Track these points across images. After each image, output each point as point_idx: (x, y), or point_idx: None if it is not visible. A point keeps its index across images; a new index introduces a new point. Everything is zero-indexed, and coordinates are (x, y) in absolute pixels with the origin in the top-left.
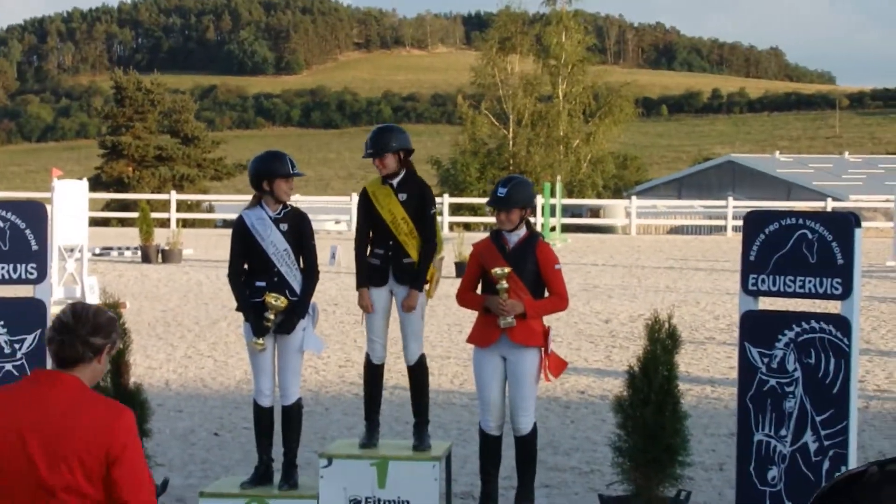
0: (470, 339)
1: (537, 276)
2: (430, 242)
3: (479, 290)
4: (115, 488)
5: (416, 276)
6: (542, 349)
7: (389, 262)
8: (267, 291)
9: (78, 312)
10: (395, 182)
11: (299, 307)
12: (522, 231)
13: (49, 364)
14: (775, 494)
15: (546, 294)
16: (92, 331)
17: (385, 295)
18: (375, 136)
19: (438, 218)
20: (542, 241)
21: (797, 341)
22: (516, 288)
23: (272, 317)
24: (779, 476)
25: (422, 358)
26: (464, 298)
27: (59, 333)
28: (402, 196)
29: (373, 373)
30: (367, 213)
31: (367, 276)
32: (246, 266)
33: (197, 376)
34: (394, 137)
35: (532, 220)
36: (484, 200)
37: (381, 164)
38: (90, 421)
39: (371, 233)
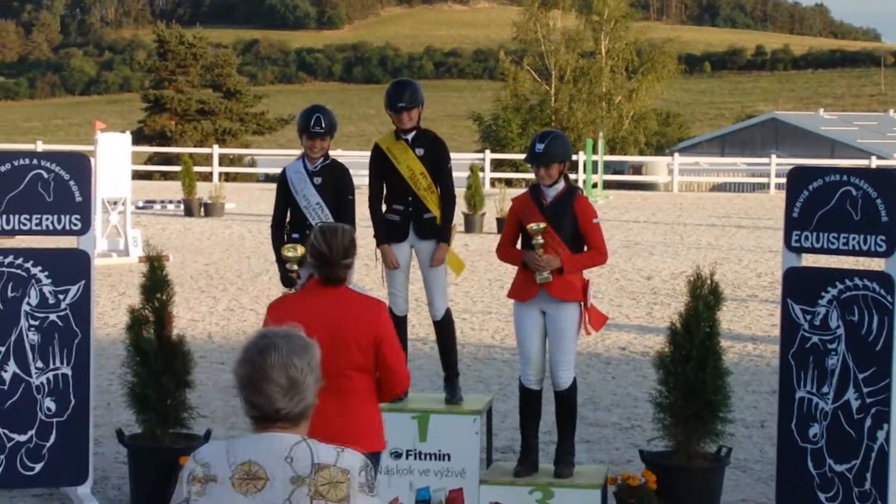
0: (510, 294)
1: (575, 230)
2: (450, 194)
3: (518, 245)
4: (385, 361)
5: (440, 230)
6: (581, 303)
7: (410, 217)
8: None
9: (330, 244)
10: (409, 137)
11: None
12: (561, 185)
13: (93, 314)
14: (816, 451)
15: (584, 249)
16: (344, 254)
17: (406, 250)
18: (405, 88)
19: (480, 174)
20: (580, 196)
21: (840, 298)
22: (553, 243)
23: (296, 267)
24: (820, 433)
25: (448, 312)
26: (504, 253)
27: (322, 263)
28: (420, 151)
29: (397, 324)
30: (382, 169)
31: (387, 232)
32: (288, 219)
33: (239, 329)
34: (419, 90)
35: (573, 176)
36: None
37: (409, 116)
38: (360, 315)
39: (386, 189)
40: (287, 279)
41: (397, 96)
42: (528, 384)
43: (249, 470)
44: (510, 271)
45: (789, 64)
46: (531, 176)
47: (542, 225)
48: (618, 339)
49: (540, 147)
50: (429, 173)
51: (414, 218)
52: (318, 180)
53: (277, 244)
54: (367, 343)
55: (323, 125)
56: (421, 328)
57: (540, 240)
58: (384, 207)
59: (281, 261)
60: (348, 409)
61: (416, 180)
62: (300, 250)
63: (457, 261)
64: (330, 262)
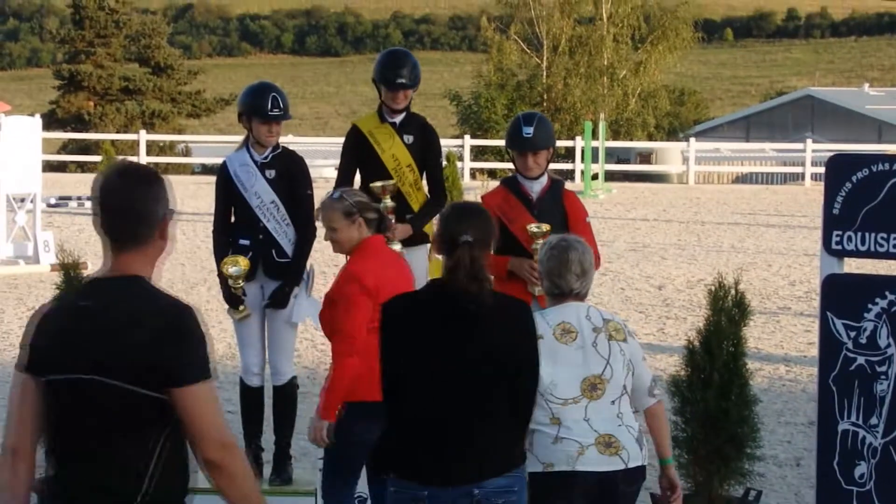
0: None
1: (565, 230)
2: (443, 196)
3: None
4: None
5: (414, 220)
6: None
7: (393, 214)
8: (232, 254)
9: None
10: (396, 120)
11: (291, 273)
12: (545, 179)
13: None
14: (864, 495)
15: None
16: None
17: None
18: (406, 60)
19: (458, 164)
20: (569, 190)
21: (890, 312)
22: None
23: (241, 283)
24: (868, 473)
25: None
26: None
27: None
28: (408, 139)
29: None
30: (358, 155)
31: None
32: (233, 220)
33: None
34: (419, 65)
35: (569, 166)
36: None
37: (405, 95)
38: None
39: (361, 180)
40: (231, 297)
41: (397, 68)
42: None
43: (564, 327)
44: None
45: (827, 30)
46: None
47: (546, 227)
48: None
49: (528, 131)
50: (416, 166)
51: (395, 216)
52: (270, 173)
53: (221, 254)
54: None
55: (281, 106)
56: None
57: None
58: None
59: (222, 275)
60: None
61: (401, 173)
62: (243, 264)
63: (436, 266)
64: (377, 210)
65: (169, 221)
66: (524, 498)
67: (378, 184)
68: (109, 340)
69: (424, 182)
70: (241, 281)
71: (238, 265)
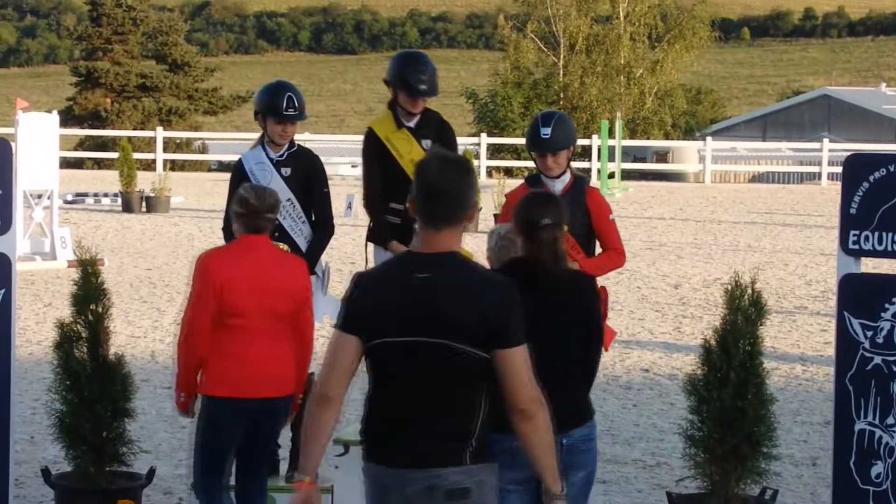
0: None
1: (589, 228)
2: None
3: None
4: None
5: None
6: None
7: (412, 219)
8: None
9: (260, 195)
10: (412, 124)
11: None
12: (567, 177)
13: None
14: (880, 494)
15: (598, 250)
16: (270, 209)
17: None
18: (426, 66)
19: (474, 162)
20: (592, 188)
21: None
22: (568, 247)
23: None
24: (885, 473)
25: None
26: None
27: (249, 212)
28: (426, 143)
29: None
30: (379, 158)
31: (390, 233)
32: None
33: None
34: (436, 72)
35: (585, 164)
36: None
37: (424, 101)
38: (285, 265)
39: (382, 183)
40: None
41: (419, 74)
42: None
43: None
44: None
45: (844, 30)
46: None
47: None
48: (640, 360)
49: (546, 132)
50: None
51: None
52: (286, 171)
53: None
54: (288, 295)
55: (297, 106)
56: None
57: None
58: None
59: None
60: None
61: None
62: (284, 247)
63: (466, 254)
64: (257, 211)
65: (475, 206)
66: (597, 445)
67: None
68: (458, 308)
69: None
70: None
71: (278, 246)
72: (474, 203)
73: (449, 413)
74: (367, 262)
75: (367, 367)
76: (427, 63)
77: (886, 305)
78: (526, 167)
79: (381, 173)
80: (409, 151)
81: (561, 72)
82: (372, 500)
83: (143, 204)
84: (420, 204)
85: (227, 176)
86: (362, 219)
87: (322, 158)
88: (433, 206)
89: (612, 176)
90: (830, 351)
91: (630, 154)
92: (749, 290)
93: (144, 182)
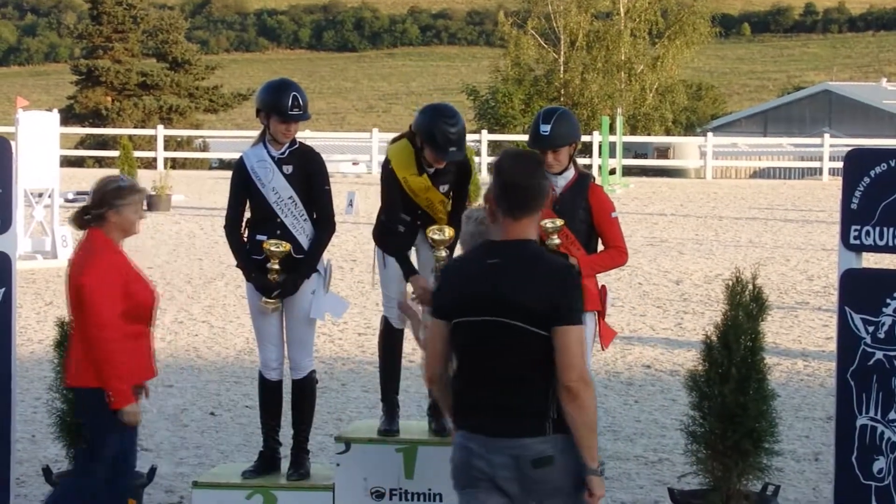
0: None
1: (590, 226)
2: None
3: None
4: None
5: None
6: (597, 313)
7: (418, 229)
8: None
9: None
10: (432, 170)
11: (303, 265)
12: (570, 173)
13: (14, 327)
14: (882, 490)
15: (600, 247)
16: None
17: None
18: (458, 128)
19: (475, 159)
20: (595, 185)
21: None
22: (567, 243)
23: (277, 267)
24: (887, 468)
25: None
26: None
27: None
28: (444, 188)
29: (392, 340)
30: (397, 188)
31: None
32: (248, 216)
33: (190, 345)
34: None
35: (586, 160)
36: None
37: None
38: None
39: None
40: (265, 285)
41: (451, 135)
42: None
43: None
44: None
45: (845, 25)
46: None
47: (559, 222)
48: (641, 356)
49: (545, 128)
50: (449, 196)
51: (424, 229)
52: (287, 169)
53: (238, 248)
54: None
55: (301, 105)
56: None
57: (556, 240)
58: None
59: (250, 265)
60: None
61: (433, 209)
62: (285, 246)
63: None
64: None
65: (549, 195)
66: None
67: (436, 237)
68: (519, 290)
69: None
70: (277, 263)
71: (280, 246)
72: (548, 193)
73: (524, 387)
74: (374, 266)
75: (452, 346)
76: (458, 122)
77: (888, 300)
78: None
79: (398, 198)
80: (424, 192)
81: (561, 68)
82: (457, 465)
83: (144, 202)
84: (500, 198)
85: (228, 174)
86: (363, 216)
87: (323, 156)
88: (512, 199)
89: (612, 172)
90: (832, 346)
91: (631, 150)
92: (750, 286)
93: (145, 180)
